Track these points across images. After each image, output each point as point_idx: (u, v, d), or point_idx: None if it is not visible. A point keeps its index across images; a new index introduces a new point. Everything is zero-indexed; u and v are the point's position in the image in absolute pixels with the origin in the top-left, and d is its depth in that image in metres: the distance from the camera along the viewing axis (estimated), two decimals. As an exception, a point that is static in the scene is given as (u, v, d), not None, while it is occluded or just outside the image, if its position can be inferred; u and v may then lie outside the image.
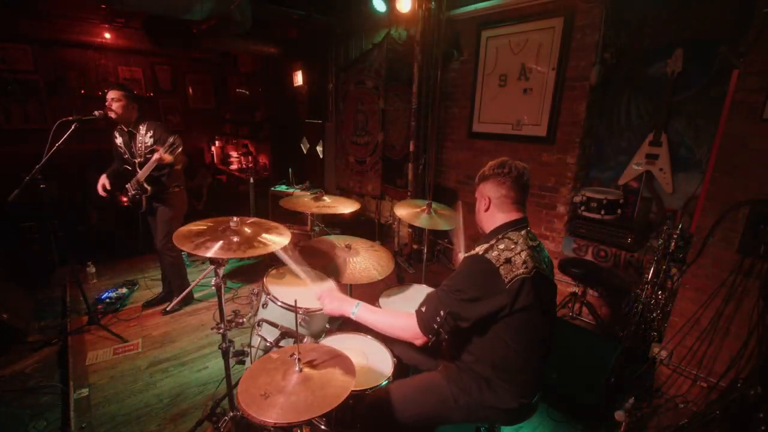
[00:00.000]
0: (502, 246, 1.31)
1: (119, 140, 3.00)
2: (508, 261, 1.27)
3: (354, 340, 1.92)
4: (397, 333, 1.42)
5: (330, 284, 1.65)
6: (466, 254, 1.40)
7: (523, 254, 1.29)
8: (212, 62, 8.14)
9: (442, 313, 1.30)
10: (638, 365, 2.54)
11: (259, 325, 1.98)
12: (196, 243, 1.57)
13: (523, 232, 1.38)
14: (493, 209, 1.42)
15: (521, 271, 1.26)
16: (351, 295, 2.80)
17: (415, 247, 4.24)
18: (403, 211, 2.53)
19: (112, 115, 2.81)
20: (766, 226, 1.95)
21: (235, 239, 1.63)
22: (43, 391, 2.39)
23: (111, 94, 2.82)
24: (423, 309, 1.36)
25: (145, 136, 2.90)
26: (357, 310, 1.49)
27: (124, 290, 3.50)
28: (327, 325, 2.07)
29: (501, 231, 1.39)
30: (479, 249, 1.36)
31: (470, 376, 1.40)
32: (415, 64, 3.86)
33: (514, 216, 1.41)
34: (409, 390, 1.49)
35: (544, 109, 3.20)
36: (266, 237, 1.71)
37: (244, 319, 1.92)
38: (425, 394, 1.47)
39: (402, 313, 1.45)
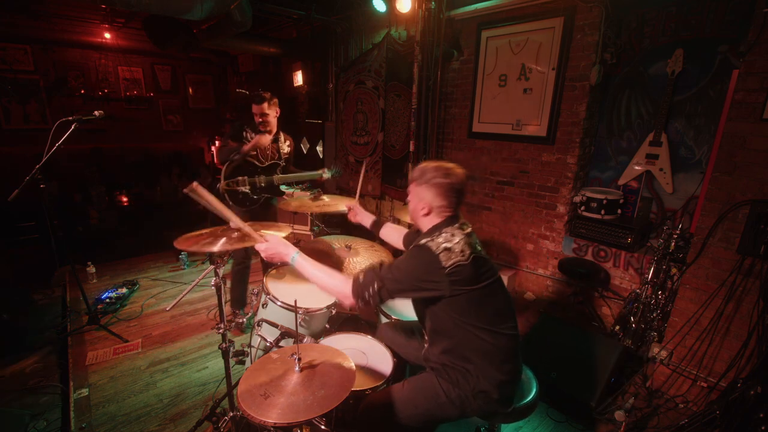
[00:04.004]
0: (440, 239, 1.40)
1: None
2: (447, 249, 1.37)
3: (354, 340, 1.92)
4: (329, 289, 1.52)
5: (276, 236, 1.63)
6: (413, 245, 1.48)
7: (461, 243, 1.39)
8: (212, 62, 8.15)
9: (375, 286, 1.40)
10: (638, 365, 2.54)
11: (259, 325, 1.98)
12: (197, 244, 1.57)
13: (456, 225, 1.46)
14: (433, 215, 1.50)
15: (459, 258, 1.35)
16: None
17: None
18: (404, 216, 2.54)
19: (269, 128, 2.77)
20: (766, 226, 1.95)
21: (235, 235, 1.64)
22: (43, 391, 2.39)
23: (269, 109, 2.74)
24: (361, 277, 1.45)
25: (284, 144, 2.91)
26: (297, 256, 1.54)
27: (124, 290, 3.50)
28: (327, 325, 2.07)
29: (438, 228, 1.46)
30: (422, 240, 1.44)
31: (453, 369, 1.46)
32: (415, 64, 3.86)
33: (449, 214, 1.50)
34: (404, 391, 1.52)
35: (544, 109, 3.20)
36: (265, 233, 1.71)
37: (244, 319, 1.92)
38: (419, 393, 1.50)
39: (339, 273, 1.53)
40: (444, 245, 1.37)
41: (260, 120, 2.77)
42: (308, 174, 2.87)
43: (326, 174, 2.79)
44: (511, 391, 1.50)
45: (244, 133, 2.83)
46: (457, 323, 1.41)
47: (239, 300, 3.03)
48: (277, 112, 2.83)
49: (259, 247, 1.58)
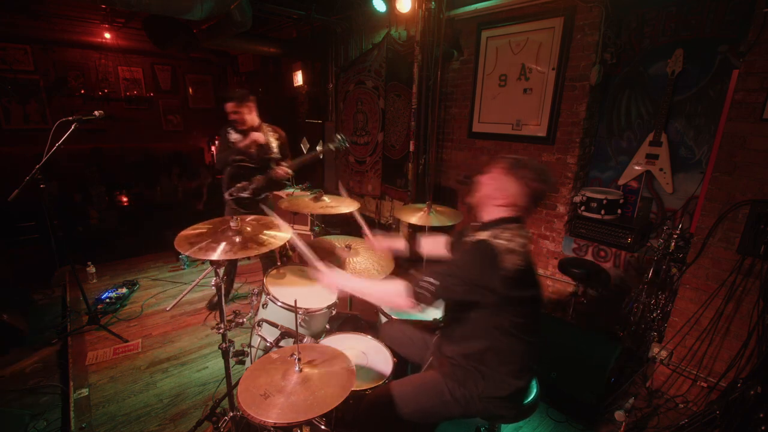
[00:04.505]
0: (502, 238, 1.34)
1: (236, 137, 2.89)
2: (510, 251, 1.31)
3: (354, 340, 1.92)
4: (384, 296, 1.52)
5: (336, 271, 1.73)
6: (472, 239, 1.41)
7: (523, 247, 1.34)
8: (212, 62, 8.15)
9: (431, 281, 1.35)
10: (638, 365, 2.54)
11: (259, 325, 1.98)
12: (198, 246, 1.56)
13: (519, 225, 1.42)
14: (506, 209, 1.42)
15: (519, 262, 1.31)
16: (351, 297, 2.82)
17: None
18: (404, 215, 2.54)
19: (245, 126, 2.83)
20: (766, 226, 1.95)
21: (237, 239, 1.63)
22: (43, 391, 2.39)
23: (239, 107, 2.77)
24: (416, 274, 1.42)
25: (271, 138, 2.89)
26: (357, 288, 1.57)
27: (124, 290, 3.49)
28: (327, 325, 2.07)
29: (503, 224, 1.40)
30: (483, 235, 1.37)
31: (464, 370, 1.44)
32: (415, 64, 3.86)
33: (519, 215, 1.44)
34: (407, 388, 1.51)
35: (544, 109, 3.20)
36: (268, 234, 1.71)
37: (244, 319, 1.92)
38: (422, 390, 1.49)
39: (394, 280, 1.50)
40: (507, 245, 1.31)
41: (233, 118, 2.81)
42: (300, 159, 2.96)
43: (289, 171, 2.89)
44: (522, 398, 1.49)
45: (227, 135, 2.89)
46: (492, 328, 1.38)
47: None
48: (250, 110, 2.84)
49: (318, 278, 1.66)
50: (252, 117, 2.87)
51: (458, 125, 3.94)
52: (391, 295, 1.46)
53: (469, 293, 1.34)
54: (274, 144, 2.95)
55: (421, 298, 1.37)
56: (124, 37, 6.66)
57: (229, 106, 2.80)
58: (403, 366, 1.84)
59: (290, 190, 4.51)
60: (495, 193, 1.43)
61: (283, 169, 2.87)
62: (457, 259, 1.38)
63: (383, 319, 2.09)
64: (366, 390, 1.56)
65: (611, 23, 2.83)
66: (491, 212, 1.45)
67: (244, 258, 4.08)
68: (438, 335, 1.61)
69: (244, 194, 2.91)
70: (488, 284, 1.30)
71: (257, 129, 2.90)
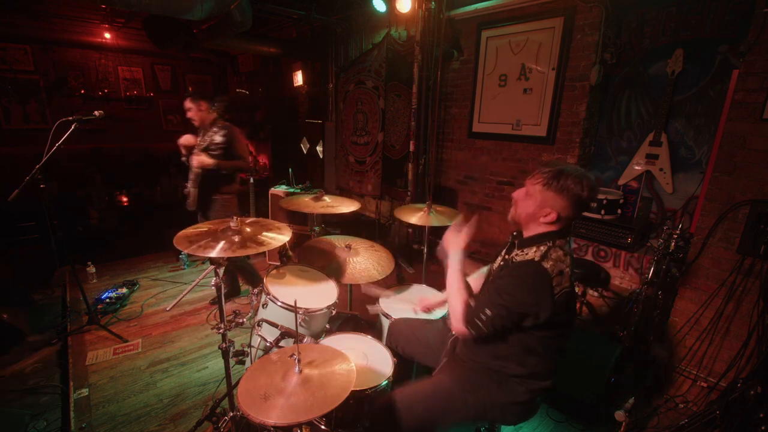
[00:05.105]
0: (554, 255, 1.29)
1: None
2: (560, 273, 1.27)
3: (354, 340, 1.92)
4: (451, 308, 1.42)
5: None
6: (521, 260, 1.35)
7: (569, 266, 1.30)
8: (212, 62, 8.15)
9: (488, 311, 1.29)
10: (638, 365, 2.54)
11: (259, 325, 1.98)
12: (197, 244, 1.56)
13: (565, 240, 1.36)
14: (554, 223, 1.35)
15: (567, 283, 1.28)
16: (352, 294, 2.83)
17: (415, 247, 4.24)
18: (404, 215, 2.55)
19: (197, 123, 3.01)
20: (766, 226, 1.95)
21: (236, 239, 1.63)
22: (43, 391, 2.39)
23: (190, 104, 2.96)
24: (473, 302, 1.36)
25: (216, 135, 2.94)
26: (450, 271, 1.48)
27: (124, 290, 3.49)
28: (327, 325, 2.07)
29: (549, 239, 1.34)
30: (533, 254, 1.32)
31: (482, 375, 1.41)
32: (415, 64, 3.86)
33: (565, 225, 1.38)
34: (416, 394, 1.48)
35: (544, 109, 3.20)
36: (267, 235, 1.71)
37: (244, 319, 1.92)
38: (432, 397, 1.46)
39: (467, 297, 1.41)
40: (558, 267, 1.26)
41: (188, 116, 2.99)
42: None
43: (202, 158, 2.83)
44: (534, 404, 1.48)
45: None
46: (521, 346, 1.36)
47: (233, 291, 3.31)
48: (199, 108, 2.96)
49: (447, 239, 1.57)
50: (202, 116, 2.98)
51: (458, 125, 3.94)
52: (454, 313, 1.39)
53: (519, 319, 1.30)
54: (217, 140, 2.96)
55: (475, 327, 1.32)
56: (124, 37, 6.66)
57: (185, 102, 2.98)
58: (408, 365, 1.84)
59: (290, 190, 4.50)
60: (538, 211, 1.34)
61: (195, 158, 2.87)
62: (507, 284, 1.31)
63: (383, 319, 2.09)
64: (366, 390, 1.56)
65: (611, 23, 2.82)
66: (535, 228, 1.38)
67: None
68: (453, 336, 1.56)
69: (186, 190, 2.99)
70: (536, 310, 1.26)
71: (209, 127, 2.99)
